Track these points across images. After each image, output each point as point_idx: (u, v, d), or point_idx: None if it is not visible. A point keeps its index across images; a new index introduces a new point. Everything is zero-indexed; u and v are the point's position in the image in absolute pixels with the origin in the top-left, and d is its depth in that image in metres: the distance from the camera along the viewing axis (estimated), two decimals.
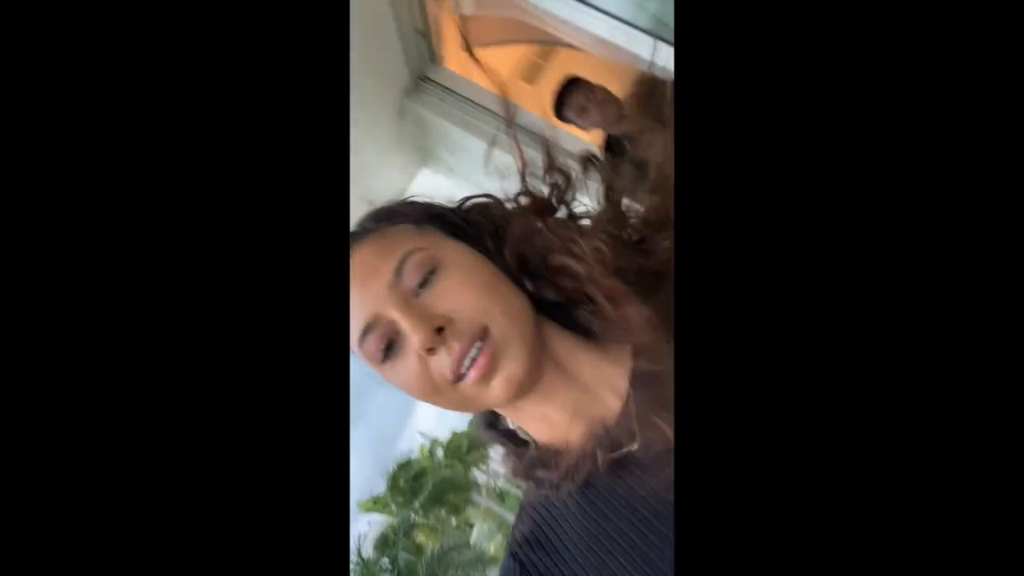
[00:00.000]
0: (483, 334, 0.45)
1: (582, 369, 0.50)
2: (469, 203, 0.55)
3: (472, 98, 2.08)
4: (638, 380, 0.48)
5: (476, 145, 2.05)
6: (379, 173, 2.25)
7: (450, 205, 0.55)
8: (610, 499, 0.46)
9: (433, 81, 2.09)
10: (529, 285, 0.50)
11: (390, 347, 0.47)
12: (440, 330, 0.45)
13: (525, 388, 0.47)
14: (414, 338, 0.45)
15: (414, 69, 2.04)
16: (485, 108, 2.05)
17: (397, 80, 2.01)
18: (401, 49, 1.91)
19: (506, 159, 0.54)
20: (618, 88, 1.80)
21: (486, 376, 0.45)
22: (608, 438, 0.47)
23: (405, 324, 0.45)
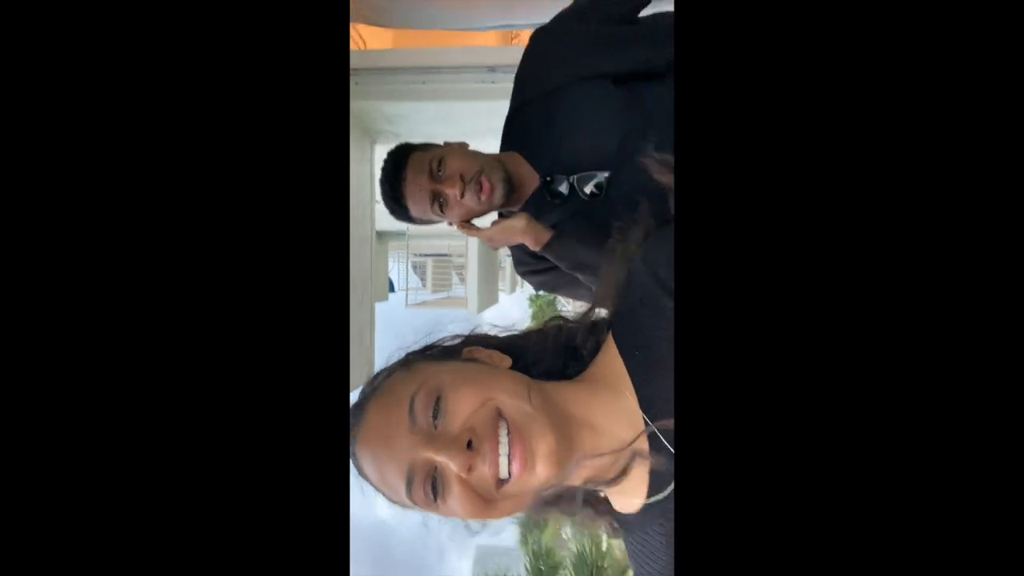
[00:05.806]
0: (499, 415, 0.49)
1: (594, 414, 0.53)
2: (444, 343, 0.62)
3: (384, 66, 2.18)
4: (646, 403, 0.52)
5: (408, 108, 2.21)
6: None
7: (427, 344, 0.61)
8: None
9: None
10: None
11: (435, 485, 0.49)
12: (469, 444, 0.48)
13: (565, 456, 0.48)
14: (452, 465, 0.48)
15: None
16: (400, 69, 2.16)
17: None
18: None
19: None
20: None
21: (528, 464, 0.47)
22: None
23: (439, 457, 0.48)
